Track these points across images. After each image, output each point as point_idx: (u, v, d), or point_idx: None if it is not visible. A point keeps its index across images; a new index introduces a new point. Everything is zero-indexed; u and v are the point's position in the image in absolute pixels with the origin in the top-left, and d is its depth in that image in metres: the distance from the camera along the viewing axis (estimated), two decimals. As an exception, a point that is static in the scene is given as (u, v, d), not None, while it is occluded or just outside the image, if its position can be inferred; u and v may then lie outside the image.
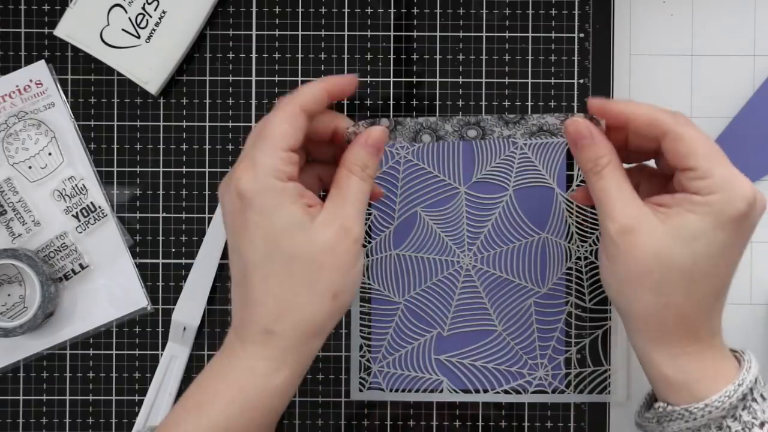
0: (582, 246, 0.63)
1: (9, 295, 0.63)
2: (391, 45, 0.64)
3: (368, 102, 0.64)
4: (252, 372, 0.50)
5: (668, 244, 0.50)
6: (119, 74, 0.63)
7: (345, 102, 0.64)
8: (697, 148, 0.50)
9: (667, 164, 0.52)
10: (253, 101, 0.64)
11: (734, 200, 0.49)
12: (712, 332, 0.52)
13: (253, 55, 0.64)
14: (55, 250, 0.63)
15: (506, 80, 0.64)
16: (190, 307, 0.63)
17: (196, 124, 0.64)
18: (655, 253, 0.50)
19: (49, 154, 0.63)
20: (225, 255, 0.63)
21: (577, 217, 0.63)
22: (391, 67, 0.64)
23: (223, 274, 0.64)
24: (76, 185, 0.63)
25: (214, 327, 0.64)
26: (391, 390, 0.63)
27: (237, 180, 0.49)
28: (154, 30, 0.62)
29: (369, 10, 0.64)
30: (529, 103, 0.63)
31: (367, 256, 0.63)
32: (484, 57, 0.64)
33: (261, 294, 0.49)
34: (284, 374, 0.50)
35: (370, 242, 0.63)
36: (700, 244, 0.50)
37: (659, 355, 0.52)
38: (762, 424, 0.50)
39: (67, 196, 0.63)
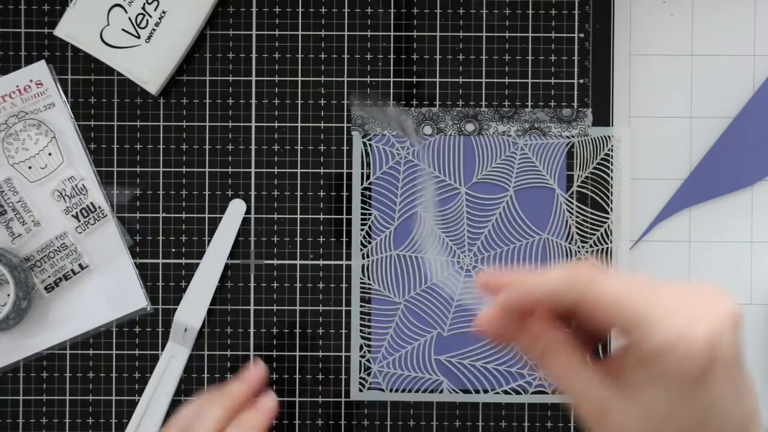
0: (582, 246, 0.63)
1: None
2: (391, 45, 0.64)
3: (369, 102, 0.64)
4: None
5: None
6: (119, 74, 0.63)
7: (345, 103, 0.64)
8: (622, 305, 0.40)
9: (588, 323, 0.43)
10: (253, 101, 0.64)
11: (690, 357, 0.39)
12: None
13: (253, 55, 0.64)
14: (55, 250, 0.63)
15: (506, 80, 0.64)
16: (193, 308, 0.63)
17: (196, 124, 0.64)
18: None
19: (49, 154, 0.63)
20: (232, 256, 0.63)
21: (577, 217, 0.63)
22: (391, 67, 0.64)
23: (226, 276, 0.64)
24: (76, 185, 0.63)
25: (215, 327, 0.64)
26: (391, 390, 0.63)
27: None
28: (154, 30, 0.62)
29: (369, 10, 0.64)
30: (529, 103, 0.63)
31: (368, 256, 0.63)
32: (484, 57, 0.64)
33: None
34: None
35: (370, 242, 0.63)
36: (676, 420, 0.41)
37: None
38: None
39: (67, 196, 0.63)
